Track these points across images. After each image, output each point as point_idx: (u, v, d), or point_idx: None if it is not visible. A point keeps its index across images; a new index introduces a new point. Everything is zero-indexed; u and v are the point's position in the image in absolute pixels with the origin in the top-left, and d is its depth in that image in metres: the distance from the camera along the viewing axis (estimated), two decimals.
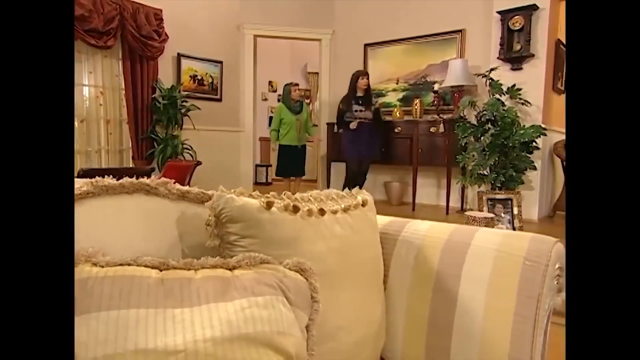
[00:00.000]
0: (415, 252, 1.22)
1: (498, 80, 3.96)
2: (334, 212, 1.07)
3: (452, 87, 4.53)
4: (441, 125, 4.53)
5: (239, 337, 0.68)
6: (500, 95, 3.94)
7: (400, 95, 5.42)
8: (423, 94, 5.16)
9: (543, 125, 3.89)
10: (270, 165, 8.42)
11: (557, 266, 1.14)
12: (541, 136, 3.78)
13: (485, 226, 1.59)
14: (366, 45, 5.74)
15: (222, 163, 5.77)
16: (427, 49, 5.18)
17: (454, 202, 4.70)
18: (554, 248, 1.13)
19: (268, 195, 0.96)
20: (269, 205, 0.92)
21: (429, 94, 5.08)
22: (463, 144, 4.08)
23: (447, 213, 4.52)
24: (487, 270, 1.12)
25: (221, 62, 5.72)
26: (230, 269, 0.80)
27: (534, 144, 3.81)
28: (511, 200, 1.83)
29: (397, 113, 5.21)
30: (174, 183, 0.97)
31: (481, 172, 3.98)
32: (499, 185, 3.89)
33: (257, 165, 8.25)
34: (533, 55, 4.05)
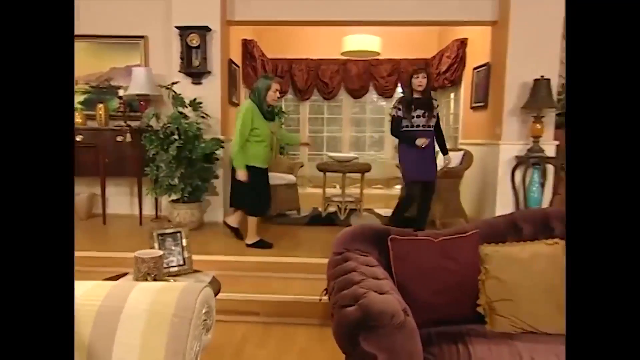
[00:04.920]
0: None
1: (180, 94, 4.12)
2: None
3: (137, 95, 4.44)
4: (128, 134, 4.38)
5: None
6: (183, 108, 4.12)
7: (82, 98, 4.94)
8: (108, 98, 4.85)
9: (222, 138, 4.30)
10: None
11: (203, 311, 1.31)
12: (220, 148, 4.17)
13: (154, 265, 1.67)
14: None
15: None
16: (110, 51, 4.88)
17: (149, 210, 4.68)
18: (199, 297, 1.29)
19: None
20: None
21: (114, 99, 4.81)
22: (151, 155, 4.08)
23: (141, 223, 4.46)
24: (138, 334, 1.19)
25: None
26: None
27: (214, 155, 4.16)
28: (180, 232, 1.98)
29: (79, 118, 4.74)
30: None
31: (171, 182, 4.09)
32: (187, 194, 4.10)
33: None
34: (210, 72, 4.38)
